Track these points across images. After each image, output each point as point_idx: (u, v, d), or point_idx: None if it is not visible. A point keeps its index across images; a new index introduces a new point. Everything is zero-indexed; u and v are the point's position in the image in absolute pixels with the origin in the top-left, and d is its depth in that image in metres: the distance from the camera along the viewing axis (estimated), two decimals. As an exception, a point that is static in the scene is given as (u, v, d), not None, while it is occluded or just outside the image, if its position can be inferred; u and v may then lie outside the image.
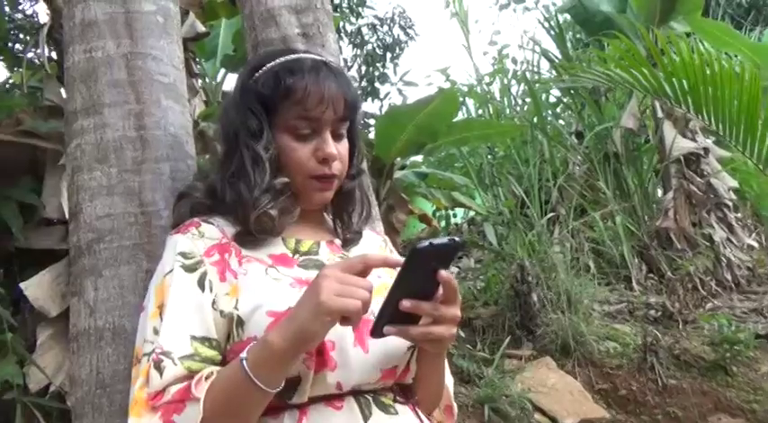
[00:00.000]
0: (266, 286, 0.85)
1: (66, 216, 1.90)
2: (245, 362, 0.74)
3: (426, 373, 0.92)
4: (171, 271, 0.85)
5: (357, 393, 0.84)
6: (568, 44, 5.58)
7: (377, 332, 0.77)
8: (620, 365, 2.76)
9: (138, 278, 0.99)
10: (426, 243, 0.72)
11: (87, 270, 1.00)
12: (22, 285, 1.85)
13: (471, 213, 4.57)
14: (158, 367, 0.79)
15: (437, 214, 4.24)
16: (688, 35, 4.44)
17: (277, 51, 1.01)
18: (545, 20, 5.64)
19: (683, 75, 2.19)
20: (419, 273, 0.75)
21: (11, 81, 2.88)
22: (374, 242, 1.08)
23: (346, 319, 0.74)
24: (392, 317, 0.77)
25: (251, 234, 0.90)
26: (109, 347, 0.96)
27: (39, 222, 2.01)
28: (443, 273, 0.76)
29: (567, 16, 6.08)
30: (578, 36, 6.31)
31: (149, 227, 1.01)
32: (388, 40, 6.13)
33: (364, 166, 1.09)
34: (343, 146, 0.96)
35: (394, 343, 0.84)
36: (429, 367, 0.92)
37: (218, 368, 0.80)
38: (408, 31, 6.23)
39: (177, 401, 0.76)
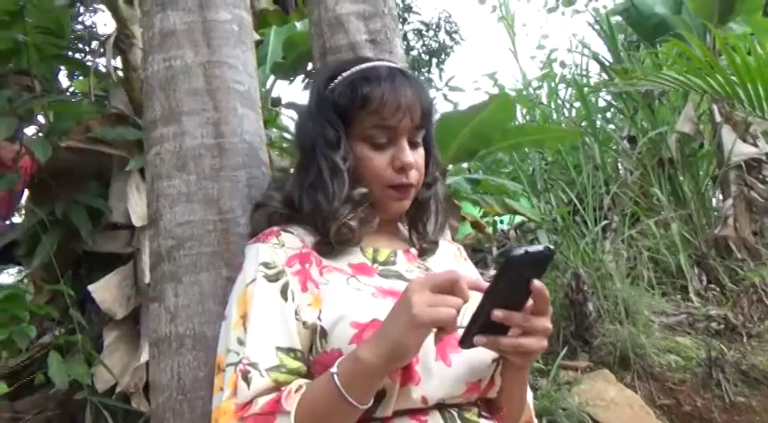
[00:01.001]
0: (348, 297, 0.84)
1: (133, 221, 1.97)
2: (335, 377, 0.73)
3: (510, 387, 0.89)
4: (254, 280, 0.85)
5: (442, 407, 0.82)
6: (620, 47, 5.44)
7: (466, 342, 0.75)
8: (684, 380, 2.65)
9: (217, 285, 0.99)
10: (521, 251, 0.70)
11: (167, 276, 1.01)
12: (91, 288, 1.91)
13: (518, 219, 4.49)
14: (246, 378, 0.78)
15: (483, 220, 4.19)
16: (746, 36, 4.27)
17: (351, 60, 1.01)
18: (595, 22, 5.52)
19: (757, 77, 2.09)
20: (511, 282, 0.73)
21: (71, 89, 2.98)
22: (449, 251, 1.07)
23: (441, 329, 0.72)
24: (482, 327, 0.75)
25: (330, 244, 0.89)
26: (189, 354, 0.96)
27: (105, 227, 2.07)
28: (537, 282, 0.73)
29: (618, 18, 5.94)
30: (630, 39, 6.15)
31: (227, 234, 1.02)
32: (434, 45, 6.11)
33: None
34: (420, 154, 0.95)
35: (477, 356, 0.82)
36: (513, 381, 0.89)
37: (306, 381, 0.79)
38: (454, 36, 6.19)
39: (267, 414, 0.76)
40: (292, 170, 1.00)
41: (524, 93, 5.56)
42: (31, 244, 2.01)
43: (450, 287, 0.73)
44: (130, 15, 2.28)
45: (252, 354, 0.80)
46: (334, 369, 0.74)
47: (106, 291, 1.93)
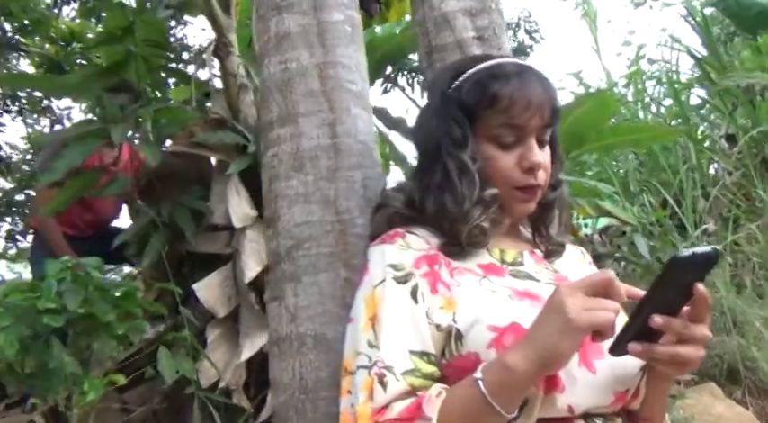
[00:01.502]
0: (483, 298, 0.81)
1: (233, 222, 2.03)
2: (480, 383, 0.70)
3: (653, 397, 0.84)
4: (382, 282, 0.84)
5: (587, 417, 0.78)
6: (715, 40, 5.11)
7: (618, 349, 0.71)
8: (803, 398, 2.43)
9: (336, 286, 0.99)
10: (689, 252, 0.65)
11: (287, 276, 1.02)
12: (195, 287, 1.99)
13: (603, 223, 4.30)
14: (381, 382, 0.77)
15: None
16: None
17: (475, 58, 0.98)
18: (688, 15, 5.22)
19: None
20: (673, 285, 0.68)
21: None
22: (574, 254, 1.02)
23: (598, 334, 0.68)
24: (636, 333, 0.70)
25: (458, 245, 0.87)
26: (311, 354, 0.96)
27: (206, 228, 2.15)
28: (701, 286, 0.68)
29: (712, 10, 5.59)
30: (727, 31, 5.77)
31: (345, 235, 1.02)
32: (513, 45, 5.99)
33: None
34: (547, 154, 0.91)
35: (622, 364, 0.78)
36: (656, 392, 0.83)
37: (443, 386, 0.77)
38: (534, 35, 6.04)
39: (406, 419, 0.74)
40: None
41: (609, 92, 5.32)
42: (140, 244, 2.11)
43: (604, 290, 0.69)
44: (228, 24, 2.36)
45: (386, 357, 0.79)
46: (478, 375, 0.71)
47: (209, 290, 2.00)
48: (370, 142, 1.10)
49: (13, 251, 6.15)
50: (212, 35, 2.35)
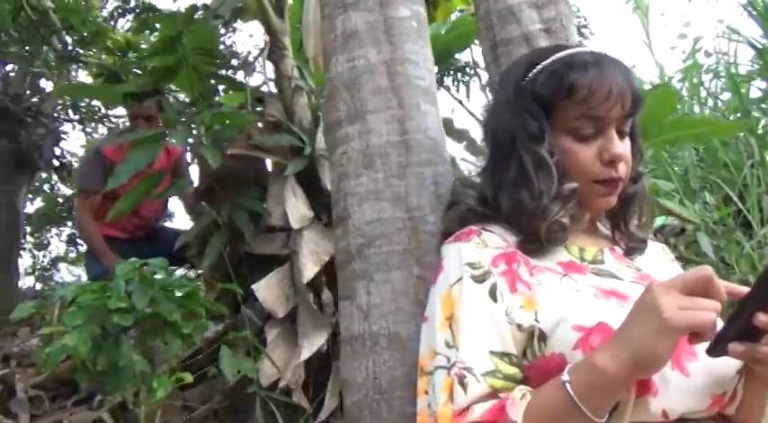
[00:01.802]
0: (567, 298, 0.78)
1: (291, 223, 2.04)
2: (568, 386, 0.67)
3: (751, 401, 0.79)
4: (459, 281, 0.82)
5: (682, 422, 0.73)
6: (779, 29, 4.86)
7: (717, 350, 0.67)
8: None
9: (409, 284, 0.98)
10: None
11: (358, 274, 1.01)
12: (254, 287, 2.01)
13: (659, 221, 4.15)
14: (462, 383, 0.75)
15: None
16: None
17: (548, 48, 0.96)
18: (748, 4, 4.98)
19: None
20: None
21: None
22: (655, 251, 0.98)
23: (695, 335, 0.65)
24: (737, 333, 0.66)
25: (537, 243, 0.84)
26: (385, 353, 0.95)
27: (262, 229, 2.18)
28: None
29: (774, -2, 5.32)
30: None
31: (417, 232, 1.00)
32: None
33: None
34: (627, 145, 0.88)
35: (717, 366, 0.73)
36: (755, 395, 0.79)
37: (527, 388, 0.74)
38: (583, 30, 5.88)
39: (489, 422, 0.72)
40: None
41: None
42: (200, 245, 2.16)
43: (702, 288, 0.65)
44: (281, 28, 2.39)
45: (466, 358, 0.76)
46: (565, 377, 0.68)
47: (268, 290, 2.02)
48: (439, 138, 1.09)
49: (73, 254, 6.41)
50: (259, 41, 2.39)
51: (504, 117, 0.90)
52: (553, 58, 0.87)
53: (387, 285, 0.98)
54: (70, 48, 4.60)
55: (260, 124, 2.31)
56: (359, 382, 0.97)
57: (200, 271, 2.26)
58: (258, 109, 2.42)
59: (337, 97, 1.10)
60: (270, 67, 2.42)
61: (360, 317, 0.99)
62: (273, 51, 2.36)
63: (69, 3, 4.50)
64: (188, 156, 2.55)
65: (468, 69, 4.61)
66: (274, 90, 2.38)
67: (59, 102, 4.83)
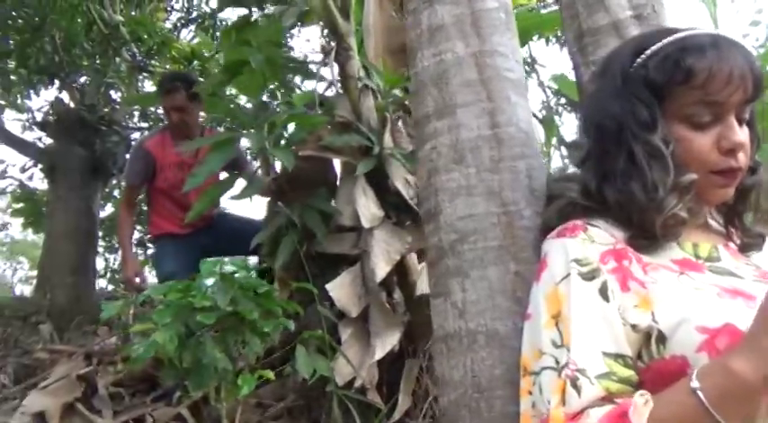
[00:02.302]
0: (688, 297, 0.74)
1: (362, 223, 2.05)
2: (701, 393, 0.63)
3: None
4: (566, 278, 0.79)
5: None
6: None
7: None
8: None
9: (506, 280, 0.95)
10: None
11: (452, 271, 0.99)
12: (328, 287, 2.03)
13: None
14: (575, 385, 0.72)
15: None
16: None
17: (657, 32, 0.90)
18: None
19: None
20: None
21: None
22: None
23: None
24: None
25: (649, 238, 0.80)
26: (483, 351, 0.93)
27: (333, 229, 2.20)
28: None
29: None
30: None
31: (512, 228, 0.97)
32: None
33: None
34: (746, 133, 0.82)
35: None
36: None
37: (648, 394, 0.70)
38: (646, 20, 5.67)
39: None
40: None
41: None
42: (272, 246, 2.19)
43: None
44: (347, 30, 2.40)
45: (578, 359, 0.73)
46: (695, 383, 0.64)
47: (341, 289, 2.03)
48: (531, 131, 1.06)
49: (141, 257, 6.67)
50: (316, 44, 2.41)
51: (611, 105, 0.85)
52: (665, 41, 0.83)
53: (483, 282, 0.96)
54: (138, 58, 4.80)
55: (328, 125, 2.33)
56: (456, 381, 0.95)
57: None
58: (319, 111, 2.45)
59: (424, 92, 1.09)
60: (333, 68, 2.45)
61: (455, 314, 0.97)
62: (339, 53, 2.37)
63: (137, 16, 4.70)
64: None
65: (526, 66, 4.53)
66: (341, 91, 2.40)
67: (129, 110, 5.04)
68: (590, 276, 0.78)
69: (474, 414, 0.92)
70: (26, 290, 8.43)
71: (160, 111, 5.52)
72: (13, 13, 4.11)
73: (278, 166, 2.33)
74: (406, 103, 2.67)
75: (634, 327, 0.74)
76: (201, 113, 3.01)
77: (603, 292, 0.77)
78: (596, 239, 0.81)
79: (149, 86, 5.41)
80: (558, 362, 0.75)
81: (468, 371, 0.93)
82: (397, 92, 2.37)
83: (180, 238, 2.69)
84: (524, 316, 0.86)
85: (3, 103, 4.88)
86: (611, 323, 0.75)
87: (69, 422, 2.43)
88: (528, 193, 1.00)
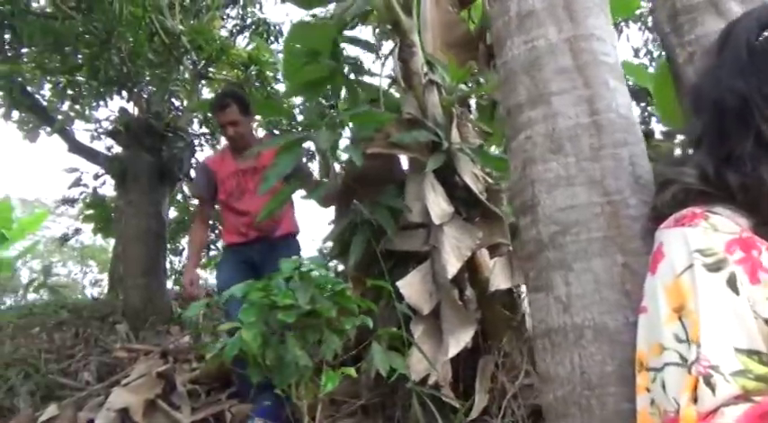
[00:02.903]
0: None
1: (433, 219, 2.03)
2: None
3: None
4: (688, 269, 0.74)
5: None
6: None
7: None
8: None
9: (613, 272, 0.91)
10: None
11: (554, 264, 0.96)
12: (399, 284, 2.02)
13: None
14: (709, 383, 0.68)
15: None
16: None
17: None
18: None
19: None
20: None
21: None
22: None
23: None
24: None
25: None
26: (591, 346, 0.89)
27: (401, 226, 2.19)
28: None
29: None
30: None
31: (617, 217, 0.93)
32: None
33: None
34: None
35: None
36: None
37: None
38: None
39: None
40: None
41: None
42: (341, 245, 2.21)
43: None
44: (410, 26, 2.39)
45: (710, 355, 0.69)
46: None
47: (411, 287, 2.02)
48: (631, 117, 1.01)
49: (203, 259, 6.88)
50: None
51: (733, 81, 0.80)
52: None
53: (588, 275, 0.92)
54: (199, 66, 4.94)
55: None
56: (562, 377, 0.92)
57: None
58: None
59: (515, 81, 1.06)
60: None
61: (559, 308, 0.94)
62: (403, 49, 2.37)
63: (196, 25, 4.84)
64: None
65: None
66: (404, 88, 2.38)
67: (191, 117, 5.19)
68: (716, 267, 0.73)
69: (585, 412, 0.88)
70: (95, 292, 8.83)
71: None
72: (80, 29, 4.30)
73: (337, 167, 2.35)
74: (473, 96, 2.64)
75: (767, 321, 0.69)
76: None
77: (732, 283, 0.72)
78: (720, 228, 0.76)
79: (207, 93, 5.57)
80: (683, 358, 0.71)
81: (577, 367, 0.90)
82: (462, 87, 2.34)
83: (235, 247, 2.75)
84: (638, 309, 0.82)
85: (72, 114, 5.12)
86: (742, 317, 0.70)
87: (151, 418, 2.52)
88: (632, 180, 0.95)
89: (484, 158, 2.18)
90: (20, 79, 4.38)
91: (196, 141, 5.18)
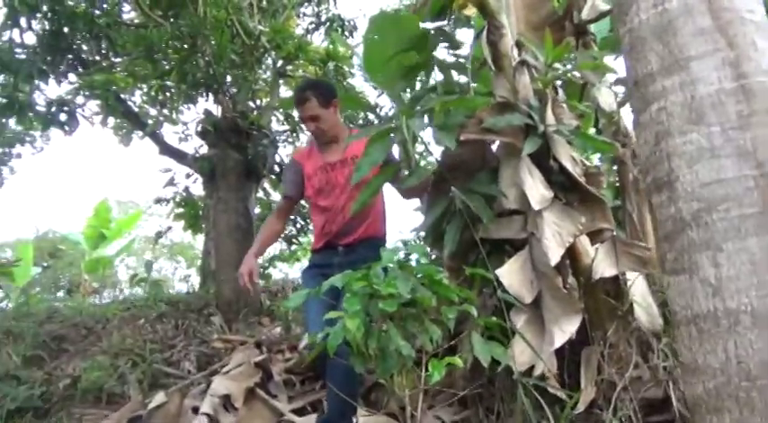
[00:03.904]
0: None
1: (532, 205, 1.95)
2: None
3: None
4: None
5: None
6: None
7: None
8: None
9: (773, 252, 0.82)
10: None
11: (698, 244, 0.88)
12: (498, 272, 1.96)
13: None
14: None
15: None
16: None
17: None
18: None
19: None
20: None
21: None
22: None
23: None
24: None
25: None
26: (749, 333, 0.81)
27: (496, 213, 2.12)
28: None
29: None
30: None
31: (774, 191, 0.84)
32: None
33: None
34: None
35: None
36: None
37: None
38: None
39: None
40: None
41: None
42: (434, 234, 2.17)
43: None
44: (497, 7, 2.31)
45: None
46: None
47: (511, 275, 1.95)
48: (783, 79, 0.91)
49: (286, 252, 7.06)
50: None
51: None
52: None
53: (742, 255, 0.84)
54: (278, 65, 5.05)
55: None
56: (714, 367, 0.84)
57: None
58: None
59: (644, 48, 0.98)
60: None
61: (706, 293, 0.86)
62: (491, 32, 2.29)
63: (274, 24, 4.94)
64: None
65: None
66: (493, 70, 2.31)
67: (271, 115, 5.32)
68: None
69: (742, 404, 0.81)
70: (183, 287, 9.26)
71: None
72: (168, 35, 4.49)
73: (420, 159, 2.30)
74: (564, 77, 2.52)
75: None
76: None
77: None
78: None
79: (284, 91, 5.69)
80: None
81: (732, 356, 0.82)
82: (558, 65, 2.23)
83: (315, 253, 2.59)
84: None
85: (162, 118, 5.38)
86: None
87: (251, 405, 2.60)
88: (792, 150, 0.86)
89: (583, 139, 2.07)
90: (114, 88, 4.63)
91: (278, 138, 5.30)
